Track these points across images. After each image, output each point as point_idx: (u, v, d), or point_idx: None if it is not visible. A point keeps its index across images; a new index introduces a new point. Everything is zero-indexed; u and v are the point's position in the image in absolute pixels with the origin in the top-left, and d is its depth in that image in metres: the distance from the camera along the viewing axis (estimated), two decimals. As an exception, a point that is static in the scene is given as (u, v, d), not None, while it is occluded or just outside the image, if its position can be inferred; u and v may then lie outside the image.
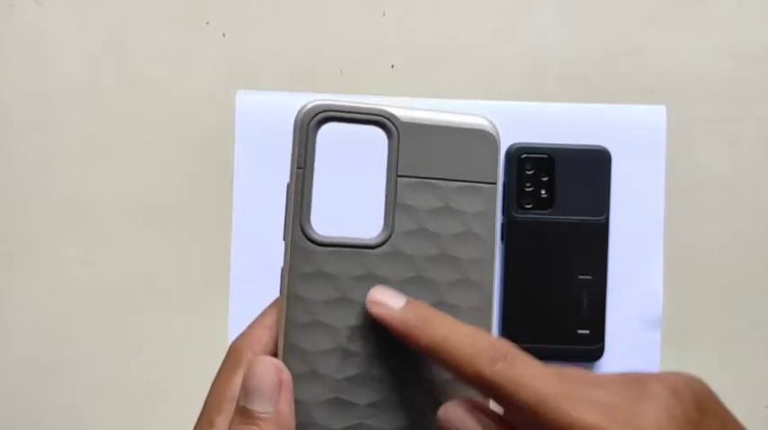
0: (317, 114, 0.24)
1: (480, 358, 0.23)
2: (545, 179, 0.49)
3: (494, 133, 0.26)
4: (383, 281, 0.25)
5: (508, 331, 0.49)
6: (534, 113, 0.51)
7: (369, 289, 0.24)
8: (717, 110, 0.51)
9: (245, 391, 0.23)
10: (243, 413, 0.23)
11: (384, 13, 0.51)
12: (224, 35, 0.51)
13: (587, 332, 0.49)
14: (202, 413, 0.25)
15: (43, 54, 0.51)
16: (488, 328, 0.26)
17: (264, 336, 0.25)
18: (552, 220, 0.49)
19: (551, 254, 0.49)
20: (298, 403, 0.24)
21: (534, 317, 0.49)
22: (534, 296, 0.49)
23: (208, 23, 0.51)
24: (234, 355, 0.25)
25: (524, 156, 0.50)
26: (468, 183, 0.26)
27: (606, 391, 0.22)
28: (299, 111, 0.24)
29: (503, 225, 0.50)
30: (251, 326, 0.26)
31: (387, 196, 0.25)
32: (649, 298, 0.51)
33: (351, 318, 0.25)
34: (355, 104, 0.25)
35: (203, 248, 0.50)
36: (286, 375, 0.23)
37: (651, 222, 0.51)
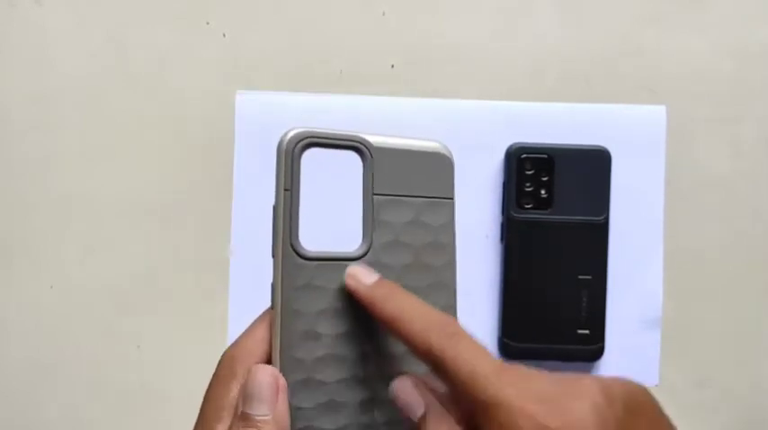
0: (300, 140, 0.27)
1: (430, 332, 0.24)
2: (545, 179, 0.49)
3: (448, 155, 0.29)
4: None
5: (508, 331, 0.49)
6: (534, 113, 0.51)
7: (354, 298, 0.27)
8: (717, 110, 0.51)
9: (246, 397, 0.24)
10: (243, 417, 0.24)
11: (384, 13, 0.51)
12: (224, 35, 0.51)
13: (587, 332, 0.49)
14: (200, 423, 0.25)
15: (43, 54, 0.51)
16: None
17: (258, 349, 0.26)
18: (552, 220, 0.49)
19: (551, 254, 0.49)
20: (297, 409, 0.25)
21: (534, 317, 0.49)
22: (534, 296, 0.49)
23: (208, 23, 0.51)
24: (228, 366, 0.26)
25: (524, 156, 0.50)
26: (432, 199, 0.29)
27: (541, 382, 0.23)
28: (283, 138, 0.27)
29: (502, 225, 0.50)
30: (243, 338, 0.27)
31: (364, 212, 0.28)
32: (649, 298, 0.51)
33: (340, 326, 0.27)
34: (335, 131, 0.27)
35: (203, 248, 0.50)
36: (282, 381, 0.25)
37: (651, 222, 0.51)
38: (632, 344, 0.51)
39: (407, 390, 0.25)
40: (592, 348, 0.50)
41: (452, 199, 0.29)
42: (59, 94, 0.51)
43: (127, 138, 0.51)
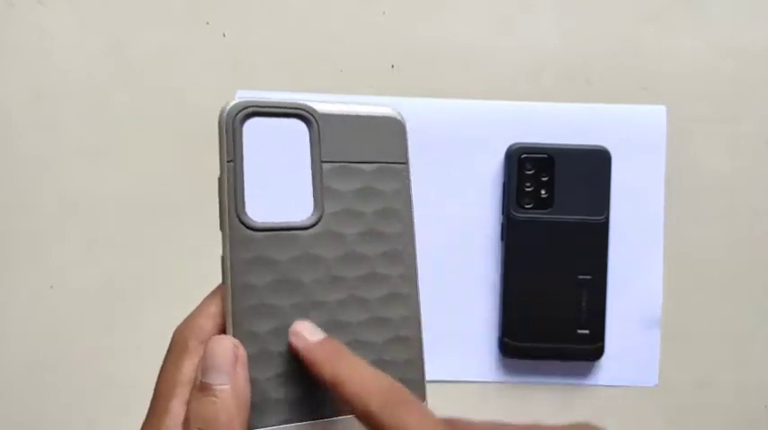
0: (241, 110, 0.26)
1: (372, 398, 0.23)
2: (545, 179, 0.49)
3: (400, 118, 0.29)
4: (318, 259, 0.26)
5: (508, 331, 0.49)
6: (534, 113, 0.51)
7: (306, 268, 0.26)
8: (717, 110, 0.51)
9: (204, 368, 0.24)
10: (202, 388, 0.24)
11: (384, 13, 0.51)
12: (224, 35, 0.51)
13: (587, 332, 0.49)
14: (155, 400, 0.25)
15: (43, 54, 0.51)
16: (415, 291, 0.28)
17: (208, 325, 0.26)
18: (552, 220, 0.49)
19: (551, 254, 0.49)
20: (252, 382, 0.25)
21: (534, 316, 0.49)
22: (534, 296, 0.49)
23: (208, 23, 0.51)
24: (179, 344, 0.26)
25: (524, 156, 0.50)
26: (383, 164, 0.28)
27: None
28: (224, 108, 0.26)
29: (502, 225, 0.50)
30: (193, 316, 0.27)
31: (313, 181, 0.27)
32: (649, 298, 0.51)
33: (293, 297, 0.26)
34: (277, 100, 0.27)
35: (203, 248, 0.50)
36: (241, 351, 0.25)
37: (651, 222, 0.51)
38: (632, 344, 0.51)
39: None
40: (592, 348, 0.50)
41: (406, 163, 0.29)
42: (59, 93, 0.51)
43: (127, 137, 0.51)
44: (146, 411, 0.26)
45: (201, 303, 0.27)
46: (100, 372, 0.50)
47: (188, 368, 0.25)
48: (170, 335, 0.27)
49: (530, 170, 0.50)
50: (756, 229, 0.51)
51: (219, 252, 0.26)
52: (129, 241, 0.51)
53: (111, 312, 0.50)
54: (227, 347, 0.24)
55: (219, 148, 0.26)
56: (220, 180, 0.26)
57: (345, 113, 0.28)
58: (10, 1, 0.51)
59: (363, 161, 0.28)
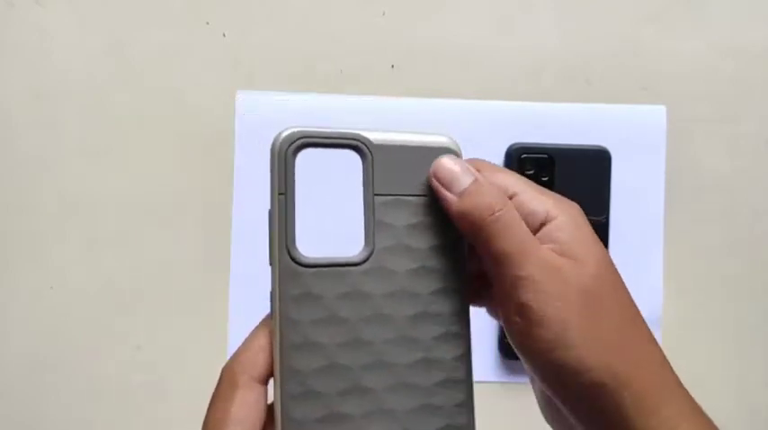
0: (295, 141, 0.25)
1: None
2: (545, 179, 0.49)
3: (455, 149, 0.27)
4: (368, 296, 0.26)
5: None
6: (534, 113, 0.51)
7: (355, 305, 0.26)
8: (717, 110, 0.51)
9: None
10: None
11: (384, 13, 0.51)
12: (224, 35, 0.51)
13: (587, 332, 0.49)
14: None
15: (43, 54, 0.51)
16: (467, 330, 0.27)
17: (260, 359, 0.25)
18: (552, 220, 0.49)
19: (551, 254, 0.49)
20: (297, 422, 0.24)
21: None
22: (534, 296, 0.49)
23: (208, 23, 0.51)
24: (229, 379, 0.25)
25: (524, 156, 0.50)
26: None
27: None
28: (276, 139, 0.25)
29: (503, 225, 0.50)
30: (242, 350, 0.26)
31: (366, 215, 0.26)
32: (649, 298, 0.51)
33: (340, 335, 0.25)
34: (330, 130, 0.26)
35: (203, 248, 0.50)
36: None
37: (651, 222, 0.51)
38: (632, 344, 0.51)
39: (454, 161, 0.26)
40: (592, 348, 0.50)
41: None
42: (59, 93, 0.51)
43: (127, 137, 0.51)
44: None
45: (249, 336, 0.26)
46: (100, 372, 0.50)
47: (239, 404, 0.25)
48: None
49: (530, 170, 0.49)
50: (756, 229, 0.51)
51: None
52: (129, 241, 0.51)
53: (111, 312, 0.50)
54: None
55: (271, 180, 0.25)
56: (271, 213, 0.25)
57: (399, 144, 0.27)
58: (10, 1, 0.51)
59: (417, 194, 0.27)
